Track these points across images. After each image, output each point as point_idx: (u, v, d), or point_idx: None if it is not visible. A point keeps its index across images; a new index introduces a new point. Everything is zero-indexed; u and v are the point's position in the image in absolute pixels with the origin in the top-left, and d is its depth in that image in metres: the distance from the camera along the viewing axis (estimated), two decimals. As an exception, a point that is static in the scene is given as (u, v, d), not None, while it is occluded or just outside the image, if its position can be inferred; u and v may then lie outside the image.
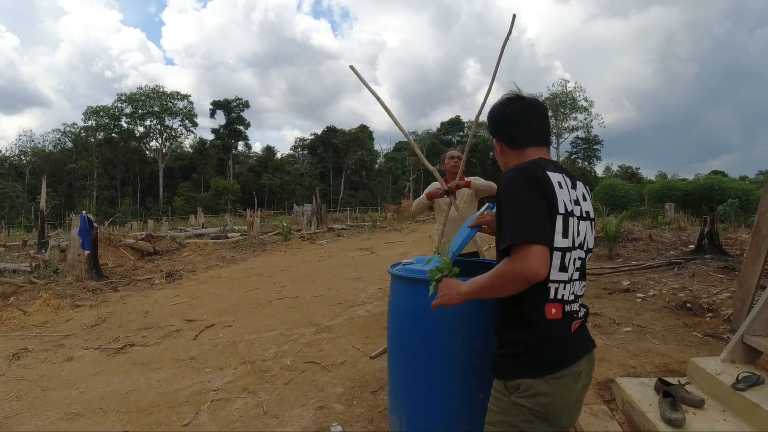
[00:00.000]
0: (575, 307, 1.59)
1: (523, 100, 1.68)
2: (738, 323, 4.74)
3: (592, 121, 51.22)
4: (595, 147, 53.71)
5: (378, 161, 56.88)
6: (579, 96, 49.99)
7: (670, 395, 2.98)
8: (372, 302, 6.24)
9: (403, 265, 2.54)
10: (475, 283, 1.53)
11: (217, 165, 57.81)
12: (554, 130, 49.29)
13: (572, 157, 54.51)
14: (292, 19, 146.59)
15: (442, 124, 58.56)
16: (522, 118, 1.67)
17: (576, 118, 50.61)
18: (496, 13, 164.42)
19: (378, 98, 4.48)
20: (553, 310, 1.51)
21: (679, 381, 3.25)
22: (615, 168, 59.53)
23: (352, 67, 4.65)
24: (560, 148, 53.38)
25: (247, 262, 10.14)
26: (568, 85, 53.88)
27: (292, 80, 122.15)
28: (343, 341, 4.73)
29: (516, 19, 3.66)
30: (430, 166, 4.52)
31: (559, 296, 1.52)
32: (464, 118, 58.60)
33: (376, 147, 56.73)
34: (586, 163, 53.90)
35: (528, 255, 1.35)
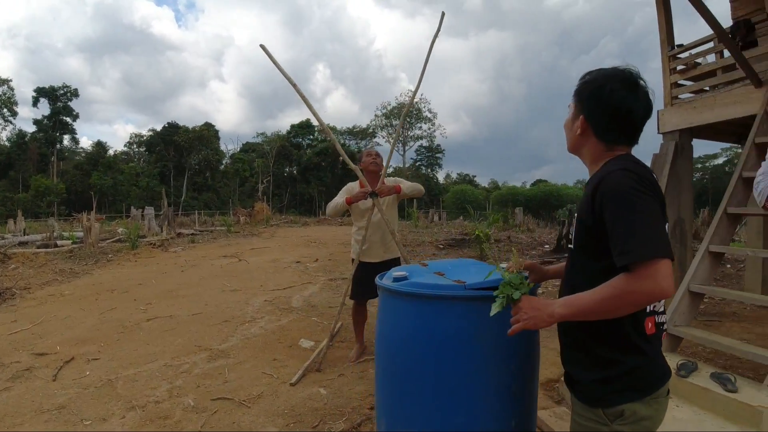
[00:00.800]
0: (663, 318, 1.43)
1: (645, 90, 1.38)
2: None
3: (435, 131, 54.63)
4: (437, 155, 57.38)
5: (224, 162, 53.73)
6: (424, 107, 52.92)
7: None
8: (263, 317, 5.49)
9: (395, 277, 2.00)
10: (574, 304, 1.28)
11: (38, 161, 49.41)
12: (401, 139, 51.50)
13: (417, 164, 57.51)
14: (131, 4, 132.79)
15: (293, 126, 57.44)
16: (634, 115, 1.38)
17: (421, 127, 53.54)
18: (346, 22, 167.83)
19: (291, 81, 3.87)
20: (650, 325, 1.35)
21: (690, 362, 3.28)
22: (454, 175, 64.26)
23: (262, 47, 3.97)
24: (406, 156, 55.96)
25: (93, 275, 8.46)
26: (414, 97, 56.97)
27: (127, 70, 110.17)
28: (248, 367, 3.98)
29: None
30: (351, 164, 4.05)
31: (654, 308, 1.37)
32: (314, 122, 58.38)
33: (222, 147, 53.60)
34: (429, 170, 57.29)
35: (657, 272, 1.17)
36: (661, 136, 5.94)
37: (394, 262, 4.14)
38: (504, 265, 1.97)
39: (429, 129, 52.89)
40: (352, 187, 4.17)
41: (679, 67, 5.75)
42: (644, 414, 1.32)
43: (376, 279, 2.14)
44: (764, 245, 5.98)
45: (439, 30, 4.11)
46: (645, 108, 1.38)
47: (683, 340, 3.86)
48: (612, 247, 1.24)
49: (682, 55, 5.71)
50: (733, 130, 6.03)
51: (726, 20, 5.54)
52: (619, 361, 1.33)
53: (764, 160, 3.60)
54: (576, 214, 1.44)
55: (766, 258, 5.29)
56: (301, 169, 48.49)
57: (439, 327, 1.85)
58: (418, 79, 4.15)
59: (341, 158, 4.31)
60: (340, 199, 4.05)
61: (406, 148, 54.64)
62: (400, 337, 1.94)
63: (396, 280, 2.01)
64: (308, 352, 4.35)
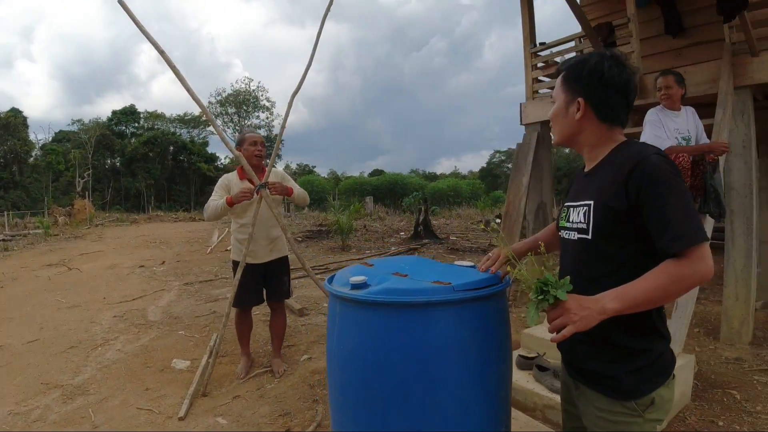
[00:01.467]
0: None
1: (631, 70, 1.36)
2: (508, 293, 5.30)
3: (273, 120, 53.17)
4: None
5: (33, 153, 45.58)
6: (262, 95, 51.09)
7: (545, 368, 3.07)
8: (118, 337, 4.59)
9: (353, 284, 1.64)
10: (627, 296, 1.18)
11: None
12: (238, 128, 49.12)
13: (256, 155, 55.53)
14: None
15: (114, 113, 51.03)
16: (631, 92, 1.36)
17: (258, 116, 51.57)
18: (174, 0, 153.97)
19: (159, 48, 3.21)
20: (664, 308, 1.35)
21: (537, 353, 3.34)
22: (294, 166, 63.49)
23: (121, 3, 3.21)
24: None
25: None
26: (252, 83, 54.43)
27: None
28: (117, 404, 3.23)
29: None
30: (235, 152, 3.53)
31: None
32: (139, 108, 52.63)
33: (32, 136, 45.44)
34: (267, 161, 55.74)
35: (706, 254, 1.16)
36: (523, 127, 6.33)
37: (281, 262, 3.71)
38: (462, 262, 1.94)
39: (267, 118, 51.08)
40: (229, 181, 3.61)
41: (540, 64, 6.15)
42: (669, 397, 1.33)
43: (331, 287, 1.75)
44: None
45: (324, 19, 3.82)
46: (635, 86, 1.37)
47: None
48: (660, 231, 1.18)
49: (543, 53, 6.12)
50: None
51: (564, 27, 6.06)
52: (648, 350, 1.30)
53: None
54: (591, 203, 1.33)
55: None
56: (126, 161, 43.19)
57: (429, 337, 1.55)
58: (304, 72, 3.76)
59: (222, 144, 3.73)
60: (219, 200, 3.46)
61: (243, 137, 52.31)
62: (377, 355, 1.58)
63: (355, 287, 1.66)
64: (187, 374, 3.71)
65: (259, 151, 3.64)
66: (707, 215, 3.64)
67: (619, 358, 1.30)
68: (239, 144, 3.66)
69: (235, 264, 3.57)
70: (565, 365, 1.51)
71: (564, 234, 1.47)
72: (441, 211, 20.16)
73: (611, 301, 1.18)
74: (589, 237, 1.32)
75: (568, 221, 1.45)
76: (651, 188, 1.19)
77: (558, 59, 6.17)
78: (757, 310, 4.46)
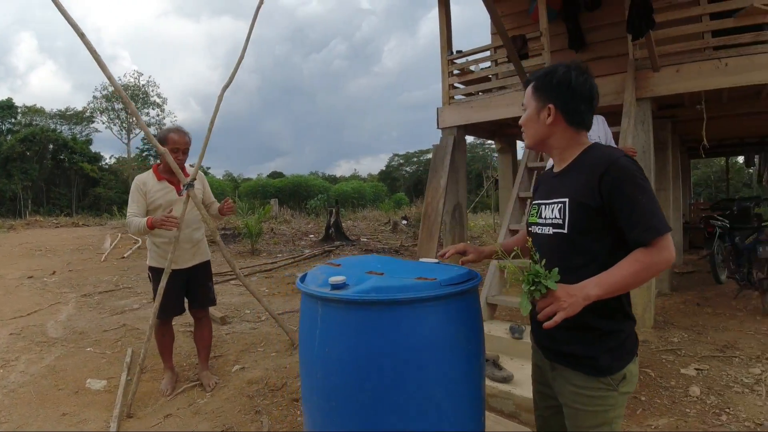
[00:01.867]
0: None
1: (593, 79, 1.53)
2: None
3: (164, 118, 49.97)
4: None
5: None
6: (152, 91, 47.78)
7: (485, 360, 3.22)
8: (19, 357, 4.03)
9: (333, 284, 1.61)
10: (607, 282, 1.34)
11: None
12: (125, 125, 45.60)
13: (144, 154, 51.74)
14: None
15: (-12, 107, 45.10)
16: (595, 98, 1.52)
17: (149, 113, 48.19)
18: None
19: (79, 32, 2.93)
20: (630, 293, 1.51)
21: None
22: (187, 165, 60.05)
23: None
24: (131, 145, 49.99)
25: None
26: (141, 78, 50.75)
27: None
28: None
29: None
30: (161, 147, 3.28)
31: None
32: (18, 102, 46.63)
33: None
34: (158, 162, 52.15)
35: (670, 243, 1.34)
36: (440, 130, 6.57)
37: (205, 267, 3.48)
38: (427, 259, 2.02)
39: (158, 115, 47.88)
40: (144, 183, 3.26)
41: (456, 71, 6.42)
42: (635, 372, 1.50)
43: (309, 288, 1.69)
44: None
45: (255, 18, 3.73)
46: (597, 93, 1.53)
47: (498, 307, 4.37)
48: (631, 224, 1.34)
49: (458, 61, 6.39)
50: (494, 129, 7.07)
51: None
52: (620, 330, 1.46)
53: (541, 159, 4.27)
54: (566, 200, 1.47)
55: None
56: (1, 161, 38.09)
57: (419, 333, 1.56)
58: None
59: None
60: (140, 218, 3.14)
61: (131, 136, 48.59)
62: (370, 354, 1.55)
63: (336, 287, 1.63)
64: (105, 395, 3.37)
65: (180, 160, 3.35)
66: None
67: (596, 340, 1.44)
68: (161, 142, 3.36)
69: (154, 271, 3.28)
70: (541, 349, 1.62)
71: (536, 229, 1.59)
72: (346, 213, 20.25)
73: (594, 287, 1.33)
74: (565, 231, 1.46)
75: (540, 217, 1.58)
76: (622, 188, 1.36)
77: (473, 68, 6.50)
78: (656, 297, 5.03)
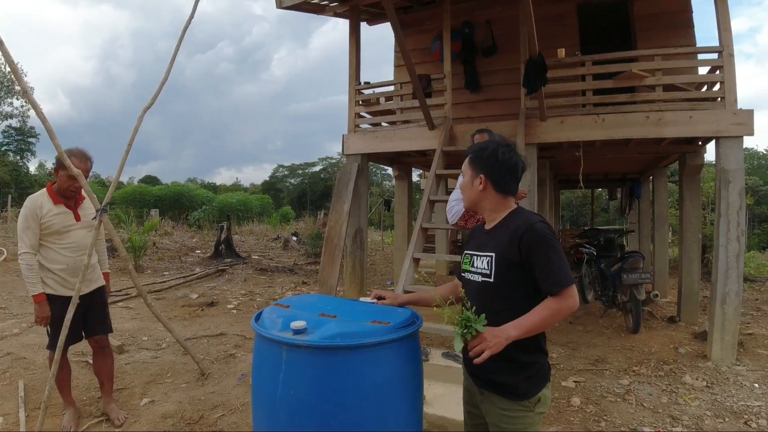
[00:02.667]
0: None
1: (519, 155, 1.87)
2: None
3: (29, 110, 44.24)
4: (30, 140, 46.20)
5: None
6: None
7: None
8: None
9: (295, 329, 1.71)
10: (523, 325, 1.65)
11: None
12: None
13: (3, 149, 45.21)
14: None
15: None
16: (519, 170, 1.85)
17: (12, 104, 42.25)
18: None
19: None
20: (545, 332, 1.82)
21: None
22: (49, 165, 53.79)
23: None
24: (-25, 137, 43.59)
25: None
26: (5, 66, 44.60)
27: None
28: None
29: None
30: (72, 168, 3.03)
31: None
32: None
33: None
34: (19, 158, 45.87)
35: (574, 293, 1.66)
36: (345, 157, 6.75)
37: (100, 292, 3.32)
38: (365, 298, 2.19)
39: (22, 107, 42.21)
40: (40, 206, 3.00)
41: (362, 100, 6.67)
42: (549, 395, 1.82)
43: (273, 334, 1.75)
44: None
45: (193, 13, 3.66)
46: (523, 165, 1.86)
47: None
48: (543, 277, 1.66)
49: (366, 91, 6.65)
50: (392, 157, 7.43)
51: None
52: (536, 362, 1.76)
53: (453, 188, 4.64)
54: (493, 254, 1.79)
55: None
56: None
57: (380, 373, 1.74)
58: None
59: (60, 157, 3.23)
60: (34, 279, 2.96)
61: (-23, 127, 42.20)
62: (336, 396, 1.66)
63: (298, 332, 1.73)
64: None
65: (75, 189, 3.10)
66: None
67: (518, 370, 1.74)
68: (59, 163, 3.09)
69: (52, 299, 3.05)
70: (472, 377, 1.88)
71: (468, 276, 1.88)
72: (233, 226, 19.50)
73: (513, 330, 1.63)
74: (491, 280, 1.76)
75: (472, 266, 1.87)
76: (536, 247, 1.68)
77: (381, 100, 6.81)
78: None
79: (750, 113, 4.67)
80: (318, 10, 6.76)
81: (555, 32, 6.45)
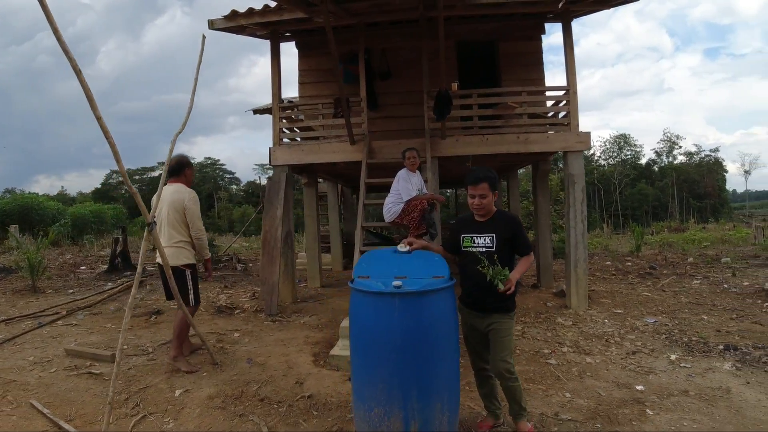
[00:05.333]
0: None
1: None
2: (269, 307, 6.63)
3: None
4: None
5: None
6: None
7: None
8: None
9: (397, 287, 2.77)
10: (518, 273, 2.96)
11: None
12: None
13: None
14: None
15: None
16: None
17: None
18: None
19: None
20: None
21: None
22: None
23: None
24: None
25: None
26: None
27: None
28: None
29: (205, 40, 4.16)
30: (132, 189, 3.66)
31: None
32: None
33: None
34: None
35: (532, 254, 3.11)
36: (272, 167, 7.60)
37: None
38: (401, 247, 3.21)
39: None
40: None
41: (284, 117, 7.59)
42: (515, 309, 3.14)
43: (389, 290, 2.78)
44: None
45: (201, 53, 4.24)
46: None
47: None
48: (520, 246, 3.05)
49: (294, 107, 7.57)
50: (302, 167, 8.44)
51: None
52: (514, 294, 2.98)
53: (389, 193, 5.88)
54: (494, 234, 3.02)
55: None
56: None
57: (443, 308, 2.85)
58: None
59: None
60: None
61: None
62: (428, 321, 2.78)
63: (399, 287, 2.77)
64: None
65: None
66: (428, 235, 5.87)
67: (506, 298, 2.97)
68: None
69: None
70: (480, 310, 3.07)
71: (471, 249, 3.06)
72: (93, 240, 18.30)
73: (515, 275, 2.91)
74: (494, 250, 2.99)
75: (473, 243, 3.07)
76: (516, 231, 3.04)
77: (302, 116, 7.79)
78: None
79: (588, 134, 6.73)
80: (239, 30, 7.39)
81: (438, 66, 7.98)
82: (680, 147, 60.07)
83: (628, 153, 58.96)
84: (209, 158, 64.14)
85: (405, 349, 2.73)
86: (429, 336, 2.79)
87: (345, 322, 5.13)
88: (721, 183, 57.55)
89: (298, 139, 8.40)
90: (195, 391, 3.93)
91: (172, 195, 4.37)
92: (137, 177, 59.47)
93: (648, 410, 3.42)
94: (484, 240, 3.03)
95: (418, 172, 6.02)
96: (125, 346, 5.21)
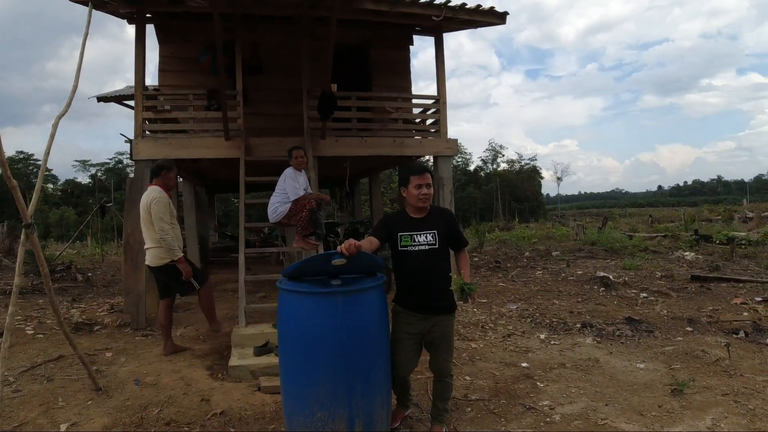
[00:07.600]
0: None
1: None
2: (136, 321, 6.11)
3: None
4: None
5: None
6: None
7: (268, 349, 4.48)
8: None
9: (336, 284, 2.79)
10: (468, 272, 3.08)
11: None
12: None
13: None
14: None
15: None
16: None
17: None
18: None
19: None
20: None
21: (267, 341, 4.55)
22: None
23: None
24: None
25: None
26: None
27: None
28: None
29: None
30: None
31: None
32: None
33: None
34: None
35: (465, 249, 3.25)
36: (133, 162, 6.89)
37: None
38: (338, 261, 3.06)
39: None
40: None
41: (148, 107, 6.93)
42: None
43: (330, 289, 2.76)
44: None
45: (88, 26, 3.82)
46: None
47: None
48: (456, 241, 3.08)
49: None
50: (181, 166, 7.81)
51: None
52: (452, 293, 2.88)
53: (274, 191, 5.79)
54: (435, 231, 2.97)
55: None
56: None
57: (375, 305, 2.91)
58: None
59: None
60: None
61: None
62: (366, 315, 2.84)
63: (339, 285, 2.78)
64: None
65: None
66: (315, 236, 5.89)
67: (451, 297, 2.90)
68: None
69: None
70: (427, 313, 2.98)
71: (412, 248, 2.94)
72: None
73: (467, 278, 2.97)
74: (437, 247, 2.95)
75: (413, 242, 2.94)
76: (454, 225, 3.09)
77: (168, 107, 7.18)
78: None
79: (455, 141, 7.34)
80: (100, 6, 6.50)
81: (316, 66, 7.91)
82: (503, 156, 67.51)
83: (459, 160, 64.55)
84: (21, 152, 54.99)
85: (349, 345, 2.75)
86: (371, 330, 2.86)
87: (237, 330, 4.88)
88: (538, 188, 66.51)
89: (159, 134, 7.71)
90: (84, 424, 3.38)
91: (144, 197, 4.68)
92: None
93: (538, 383, 3.92)
94: (426, 237, 2.98)
95: (303, 171, 5.99)
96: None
